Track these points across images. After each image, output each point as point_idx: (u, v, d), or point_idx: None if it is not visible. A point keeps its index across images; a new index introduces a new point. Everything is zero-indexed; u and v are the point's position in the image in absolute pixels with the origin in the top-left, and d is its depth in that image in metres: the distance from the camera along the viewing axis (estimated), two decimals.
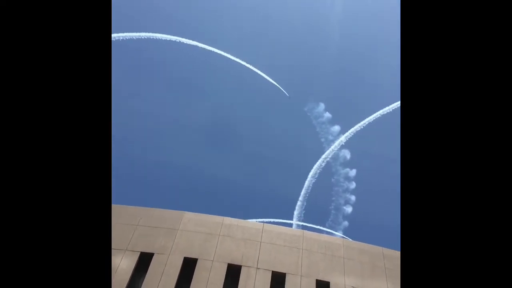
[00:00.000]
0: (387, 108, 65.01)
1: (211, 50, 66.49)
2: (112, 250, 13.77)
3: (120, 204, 16.28)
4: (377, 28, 79.84)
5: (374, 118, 65.65)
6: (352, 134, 66.82)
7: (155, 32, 64.37)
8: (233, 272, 14.90)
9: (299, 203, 65.03)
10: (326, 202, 69.07)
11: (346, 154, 70.05)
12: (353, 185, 70.24)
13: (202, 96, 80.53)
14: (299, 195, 65.62)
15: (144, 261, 14.89)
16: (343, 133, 68.26)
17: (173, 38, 65.01)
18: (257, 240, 15.96)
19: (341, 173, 70.07)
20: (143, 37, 63.81)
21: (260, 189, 79.11)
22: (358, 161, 71.67)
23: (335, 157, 69.15)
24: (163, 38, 64.90)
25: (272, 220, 56.42)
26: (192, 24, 75.87)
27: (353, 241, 17.48)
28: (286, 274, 14.98)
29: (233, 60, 67.58)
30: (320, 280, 15.00)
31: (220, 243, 15.68)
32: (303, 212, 64.82)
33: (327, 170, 68.51)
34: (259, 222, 18.49)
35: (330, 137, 69.88)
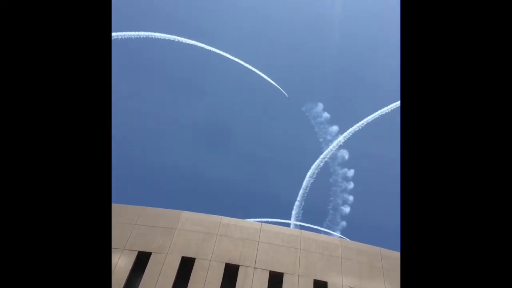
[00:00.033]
0: (385, 108, 65.10)
1: (209, 50, 66.50)
2: None
3: (118, 204, 16.26)
4: (376, 28, 79.92)
5: (373, 119, 65.73)
6: (350, 134, 66.90)
7: (154, 32, 64.35)
8: (230, 272, 14.90)
9: (297, 203, 65.09)
10: (324, 202, 69.15)
11: (345, 154, 70.13)
12: (351, 185, 70.32)
13: (200, 95, 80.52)
14: (297, 195, 65.69)
15: (142, 260, 14.88)
16: (342, 133, 68.38)
17: (172, 37, 64.99)
18: (255, 239, 15.97)
19: (339, 173, 70.13)
20: (141, 36, 63.77)
21: (258, 189, 79.14)
22: (356, 161, 71.77)
23: (333, 157, 69.23)
24: (161, 38, 64.87)
25: (270, 220, 56.47)
26: (192, 24, 75.85)
27: (351, 241, 17.50)
28: (284, 274, 14.98)
29: (232, 60, 67.60)
30: (317, 280, 15.01)
31: (218, 242, 15.68)
32: (301, 212, 64.89)
33: (325, 170, 68.61)
34: (257, 221, 18.50)
35: (329, 137, 69.97)
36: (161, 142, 76.93)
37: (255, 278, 14.70)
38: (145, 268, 14.62)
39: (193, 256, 15.12)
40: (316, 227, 63.65)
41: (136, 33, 63.05)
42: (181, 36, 65.13)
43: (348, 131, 66.97)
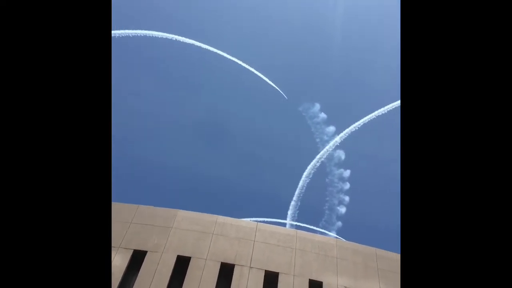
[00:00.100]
0: (382, 109, 65.20)
1: (207, 49, 66.45)
2: None
3: (114, 202, 16.22)
4: (374, 30, 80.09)
5: (370, 119, 65.83)
6: (347, 134, 66.98)
7: (152, 30, 64.24)
8: (226, 271, 14.90)
9: (293, 203, 65.10)
10: (320, 202, 69.17)
11: (341, 154, 70.15)
12: (347, 185, 70.36)
13: (196, 95, 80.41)
14: (293, 195, 65.69)
15: (137, 259, 14.87)
16: (338, 134, 68.41)
17: (170, 36, 64.89)
18: (251, 239, 15.98)
19: (335, 174, 70.19)
20: (139, 35, 63.65)
21: (254, 189, 79.13)
22: (353, 162, 71.83)
23: (330, 157, 69.28)
24: (159, 36, 64.76)
25: (266, 219, 56.42)
26: (191, 23, 75.77)
27: (347, 242, 17.54)
28: (279, 274, 15.01)
29: (230, 59, 67.57)
30: (313, 280, 15.04)
31: (214, 241, 15.68)
32: (297, 212, 64.89)
33: (321, 170, 68.63)
34: (253, 221, 18.51)
35: (325, 138, 70.00)
36: (158, 141, 76.80)
37: (251, 278, 14.71)
38: (140, 266, 14.60)
39: (188, 255, 15.11)
40: (311, 227, 63.69)
41: (134, 31, 62.96)
42: (179, 35, 65.09)
43: (344, 132, 67.07)
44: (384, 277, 15.49)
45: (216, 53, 66.92)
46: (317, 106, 72.94)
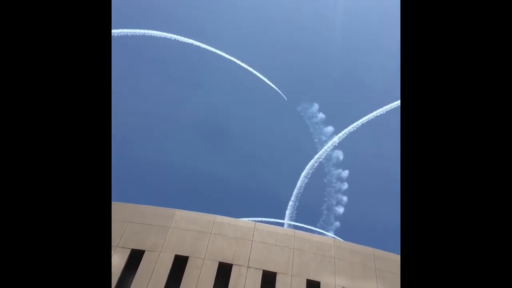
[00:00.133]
0: (380, 109, 65.27)
1: (206, 48, 66.43)
2: None
3: (112, 201, 16.21)
4: (373, 30, 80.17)
5: (368, 120, 65.90)
6: (345, 135, 67.02)
7: (151, 30, 64.17)
8: (224, 271, 14.91)
9: (291, 202, 65.11)
10: (318, 203, 69.20)
11: (339, 155, 70.17)
12: (345, 186, 70.39)
13: (195, 94, 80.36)
14: (291, 194, 65.71)
15: (135, 258, 14.87)
16: (337, 134, 68.44)
17: (168, 35, 64.84)
18: (249, 239, 15.98)
19: (333, 174, 70.23)
20: (137, 34, 63.58)
21: (253, 188, 79.10)
22: (351, 162, 71.89)
23: (328, 157, 69.29)
24: (157, 36, 64.69)
25: (264, 219, 56.41)
26: (191, 23, 75.71)
27: (344, 242, 17.59)
28: (277, 274, 15.02)
29: (229, 59, 67.55)
30: (310, 280, 15.05)
31: (212, 241, 15.68)
32: (295, 212, 64.91)
33: (319, 170, 68.67)
34: (251, 221, 18.52)
35: (324, 138, 70.02)
36: (157, 141, 76.74)
37: (248, 277, 14.72)
38: (138, 266, 14.60)
39: (186, 255, 15.11)
40: (309, 227, 63.72)
41: (133, 30, 62.88)
42: (179, 35, 65.05)
43: (343, 132, 67.10)
44: (381, 277, 15.51)
45: (215, 52, 66.92)
46: (316, 106, 72.97)
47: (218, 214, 16.80)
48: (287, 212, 64.64)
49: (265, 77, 70.20)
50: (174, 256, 15.01)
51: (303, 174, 66.29)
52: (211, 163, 76.99)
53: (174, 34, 64.80)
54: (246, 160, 79.26)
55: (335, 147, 68.88)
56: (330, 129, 70.34)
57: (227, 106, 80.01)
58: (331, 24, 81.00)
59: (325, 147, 68.66)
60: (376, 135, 73.55)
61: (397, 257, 16.29)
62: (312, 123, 71.99)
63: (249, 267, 15.04)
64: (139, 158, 72.04)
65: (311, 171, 66.75)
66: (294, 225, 62.06)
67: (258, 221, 18.22)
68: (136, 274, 14.36)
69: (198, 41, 65.91)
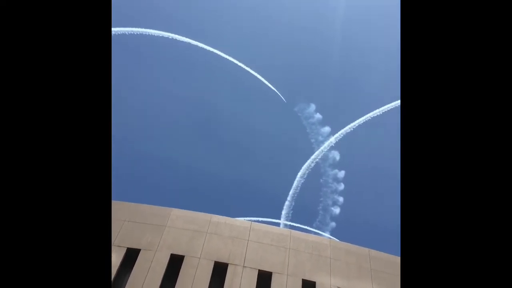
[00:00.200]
0: (377, 110, 65.41)
1: (204, 48, 66.35)
2: None
3: None
4: (371, 31, 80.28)
5: (364, 120, 66.02)
6: (342, 135, 67.14)
7: (151, 29, 64.05)
8: (219, 270, 14.91)
9: (287, 202, 65.19)
10: (314, 203, 69.29)
11: (336, 155, 70.29)
12: (341, 186, 70.50)
13: (193, 93, 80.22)
14: (287, 194, 65.79)
15: (131, 257, 14.84)
16: (333, 135, 68.55)
17: (165, 34, 64.73)
18: (245, 238, 15.99)
19: (330, 174, 70.32)
20: (135, 33, 63.45)
21: (249, 188, 79.15)
22: (347, 163, 72.01)
23: (325, 158, 69.38)
24: (155, 34, 64.57)
25: (260, 219, 56.47)
26: (191, 23, 75.60)
27: (340, 242, 17.60)
28: (273, 273, 15.03)
29: (226, 59, 67.51)
30: (306, 280, 15.07)
31: (208, 240, 15.68)
32: (291, 212, 65.00)
33: (316, 170, 68.75)
34: (247, 220, 18.53)
35: (320, 138, 70.11)
36: (154, 140, 76.60)
37: (244, 277, 14.73)
38: (134, 264, 14.58)
39: (182, 254, 15.10)
40: (305, 227, 63.80)
41: (130, 29, 62.75)
42: (178, 34, 64.95)
43: (339, 132, 67.21)
44: (377, 278, 15.55)
45: (213, 52, 66.87)
46: (313, 107, 73.07)
47: (215, 214, 16.81)
48: (283, 212, 64.72)
49: (263, 77, 70.26)
50: (170, 255, 15.00)
51: (299, 174, 66.39)
52: (207, 162, 76.97)
53: (173, 33, 64.74)
54: (243, 159, 79.30)
55: (332, 148, 69.01)
56: (327, 129, 70.48)
57: (224, 105, 79.98)
58: (330, 25, 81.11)
59: (322, 148, 68.78)
60: (373, 136, 73.75)
61: (393, 258, 16.34)
62: (309, 123, 72.09)
63: (245, 266, 15.05)
64: (135, 157, 71.95)
65: (307, 171, 66.85)
66: (290, 225, 62.15)
67: (254, 221, 18.21)
68: (132, 273, 14.34)
69: (197, 41, 65.90)
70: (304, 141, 72.18)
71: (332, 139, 68.17)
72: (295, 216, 65.22)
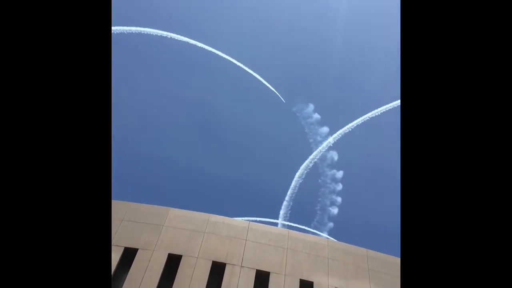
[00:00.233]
0: (376, 110, 65.46)
1: (203, 48, 66.32)
2: None
3: None
4: (370, 31, 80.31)
5: (363, 121, 66.07)
6: (340, 135, 67.16)
7: (150, 28, 63.99)
8: (217, 270, 14.90)
9: (285, 202, 65.18)
10: (312, 203, 69.32)
11: (334, 155, 70.30)
12: (339, 186, 70.52)
13: (192, 93, 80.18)
14: (285, 194, 65.78)
15: (128, 256, 14.83)
16: (332, 135, 68.57)
17: (164, 33, 64.68)
18: (242, 238, 15.99)
19: (328, 174, 70.34)
20: (134, 32, 63.39)
21: (247, 188, 79.14)
22: (346, 163, 72.04)
23: (323, 158, 69.40)
24: (155, 34, 64.51)
25: (257, 219, 56.43)
26: (191, 23, 75.54)
27: (338, 242, 17.62)
28: (270, 273, 15.03)
29: (226, 59, 67.51)
30: (304, 280, 15.08)
31: (205, 240, 15.67)
32: (289, 212, 64.99)
33: (314, 171, 68.77)
34: (245, 220, 18.52)
35: (319, 138, 70.11)
36: (152, 139, 76.55)
37: (242, 277, 14.73)
38: (131, 264, 14.57)
39: (180, 253, 15.09)
40: (303, 227, 63.80)
41: (129, 28, 62.68)
42: (177, 34, 64.91)
43: (338, 133, 67.24)
44: (374, 278, 15.57)
45: (212, 52, 66.84)
46: (311, 107, 73.06)
47: (213, 213, 16.80)
48: (281, 212, 64.71)
49: (262, 77, 70.26)
50: (167, 254, 14.99)
51: (297, 174, 66.40)
52: (206, 162, 76.93)
53: (173, 33, 64.69)
54: (241, 159, 79.29)
55: (330, 148, 69.04)
56: (325, 129, 70.48)
57: (223, 105, 79.94)
58: (330, 25, 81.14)
59: (320, 148, 68.80)
60: (371, 137, 73.80)
61: (390, 258, 16.36)
62: (308, 123, 72.09)
63: (243, 266, 15.05)
64: (135, 156, 71.89)
65: (305, 172, 66.87)
66: (288, 225, 62.15)
67: (252, 221, 18.21)
68: (129, 272, 14.33)
69: (197, 41, 65.86)
70: (303, 141, 72.21)
71: (331, 139, 68.21)
72: (293, 216, 65.26)
